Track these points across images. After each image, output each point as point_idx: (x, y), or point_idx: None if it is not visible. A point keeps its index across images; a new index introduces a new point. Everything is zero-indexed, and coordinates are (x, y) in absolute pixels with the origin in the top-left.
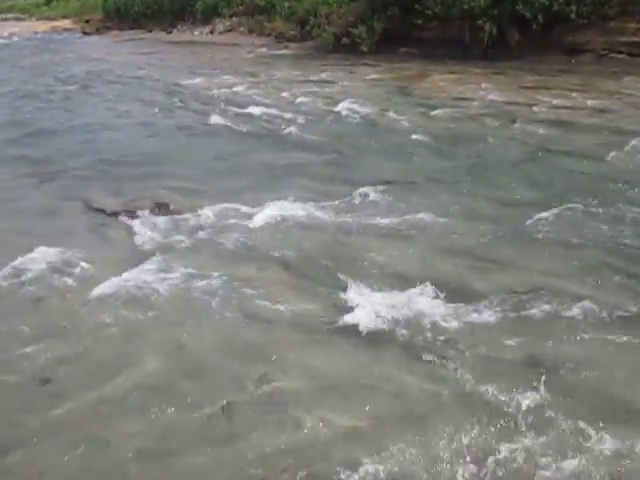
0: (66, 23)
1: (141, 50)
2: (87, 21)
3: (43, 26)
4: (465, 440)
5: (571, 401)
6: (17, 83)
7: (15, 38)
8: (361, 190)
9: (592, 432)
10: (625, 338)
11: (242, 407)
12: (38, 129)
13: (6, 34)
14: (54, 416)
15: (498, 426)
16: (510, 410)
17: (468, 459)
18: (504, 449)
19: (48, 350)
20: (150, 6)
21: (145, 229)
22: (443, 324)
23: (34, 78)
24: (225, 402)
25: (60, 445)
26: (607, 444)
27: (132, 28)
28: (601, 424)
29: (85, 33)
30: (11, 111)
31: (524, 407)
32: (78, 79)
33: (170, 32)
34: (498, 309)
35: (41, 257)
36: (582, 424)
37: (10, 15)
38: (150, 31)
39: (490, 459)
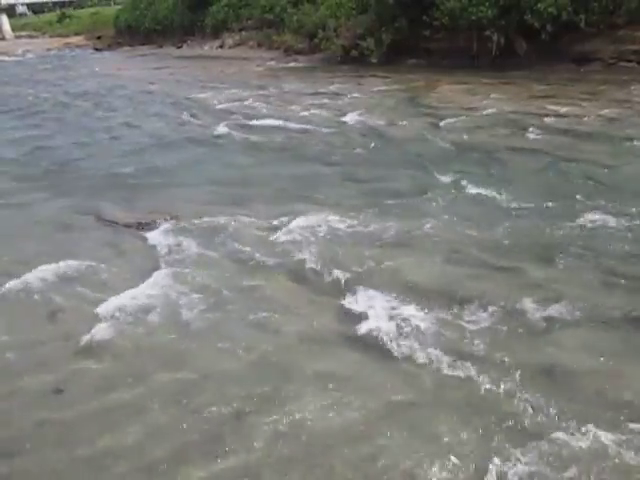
0: (78, 40)
1: (152, 65)
2: (99, 37)
3: (56, 43)
4: (474, 443)
5: (580, 406)
6: (31, 99)
7: (29, 55)
8: (372, 200)
9: (599, 435)
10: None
11: (252, 414)
12: (52, 144)
13: (20, 51)
14: (66, 424)
15: (507, 429)
16: (520, 415)
17: (477, 461)
18: (512, 452)
19: (62, 361)
20: (160, 22)
21: (157, 241)
22: (454, 332)
23: (48, 94)
24: (235, 410)
25: (72, 452)
26: (612, 447)
27: (143, 44)
28: (608, 428)
29: (97, 49)
30: (26, 126)
31: (535, 412)
32: (91, 94)
33: (180, 47)
34: (510, 317)
35: (55, 270)
36: (591, 428)
37: (24, 33)
38: (160, 46)
39: (498, 461)
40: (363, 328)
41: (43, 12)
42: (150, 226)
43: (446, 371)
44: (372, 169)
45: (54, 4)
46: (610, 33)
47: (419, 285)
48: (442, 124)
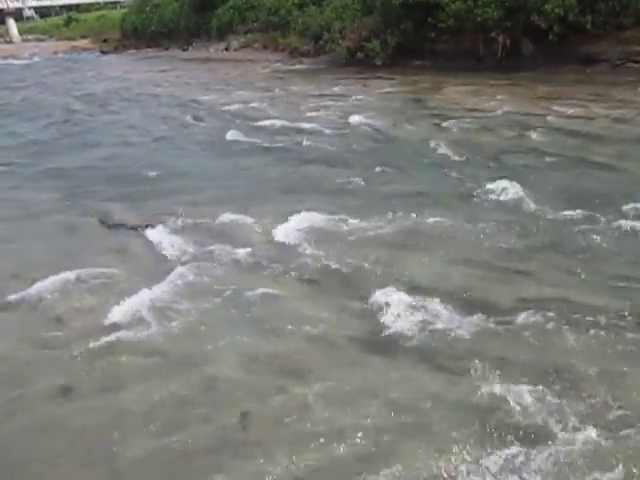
0: (85, 43)
1: (158, 68)
2: (105, 40)
3: (63, 46)
4: (478, 445)
5: (586, 409)
6: (38, 102)
7: (36, 58)
8: (378, 201)
9: (605, 439)
10: None
11: (260, 419)
12: (58, 147)
13: (27, 54)
14: (75, 426)
15: (512, 433)
16: (525, 418)
17: (481, 463)
18: (515, 454)
19: (70, 362)
20: (166, 25)
21: (165, 244)
22: (464, 334)
23: (54, 97)
24: (243, 413)
25: (80, 454)
26: (618, 450)
27: (149, 46)
28: (613, 431)
29: (103, 52)
30: (32, 130)
31: (540, 415)
32: (97, 97)
33: (186, 49)
34: (519, 319)
35: (64, 271)
36: (596, 431)
37: (31, 36)
38: (166, 49)
39: (501, 463)
40: (372, 330)
41: (50, 16)
42: (157, 228)
43: (454, 373)
44: (377, 170)
45: (61, 8)
46: (617, 34)
47: (428, 287)
48: (448, 126)
